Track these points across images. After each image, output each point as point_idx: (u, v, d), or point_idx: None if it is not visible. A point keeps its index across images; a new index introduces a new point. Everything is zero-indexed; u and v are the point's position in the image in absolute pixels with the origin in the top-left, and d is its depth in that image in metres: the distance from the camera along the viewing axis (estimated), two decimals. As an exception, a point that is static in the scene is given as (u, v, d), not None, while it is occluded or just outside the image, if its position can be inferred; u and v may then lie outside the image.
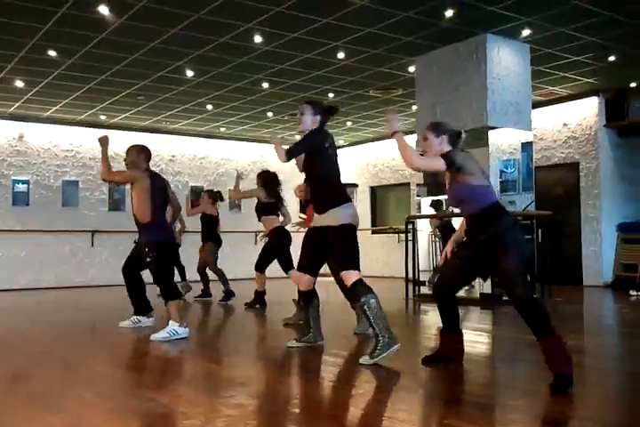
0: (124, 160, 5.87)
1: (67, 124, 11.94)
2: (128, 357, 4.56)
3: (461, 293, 7.84)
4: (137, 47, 7.69)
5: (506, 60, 7.84)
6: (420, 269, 8.64)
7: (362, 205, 14.41)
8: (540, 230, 7.79)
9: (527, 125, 8.11)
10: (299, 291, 4.55)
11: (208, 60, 8.27)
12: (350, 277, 4.05)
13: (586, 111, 10.34)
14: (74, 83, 9.19)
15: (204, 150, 13.52)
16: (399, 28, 7.21)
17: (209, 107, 10.88)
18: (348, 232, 4.16)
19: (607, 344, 4.93)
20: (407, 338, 5.35)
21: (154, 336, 4.96)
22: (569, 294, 8.56)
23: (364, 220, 14.15)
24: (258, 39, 7.47)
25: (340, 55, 8.15)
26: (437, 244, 9.40)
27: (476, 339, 5.34)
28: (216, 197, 8.94)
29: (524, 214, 8.03)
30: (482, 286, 8.02)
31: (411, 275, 8.42)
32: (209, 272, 8.88)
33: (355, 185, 14.43)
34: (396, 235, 12.18)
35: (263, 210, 7.27)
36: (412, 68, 8.73)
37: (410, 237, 8.54)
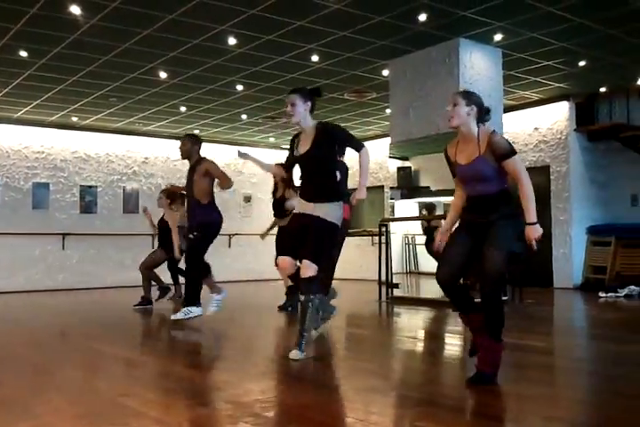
0: (180, 148, 6.46)
1: (38, 126, 11.77)
2: (99, 361, 4.51)
3: (432, 295, 7.92)
4: (109, 48, 7.62)
5: (478, 65, 7.92)
6: (394, 271, 8.67)
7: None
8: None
9: (499, 129, 8.18)
10: (292, 277, 4.36)
11: (181, 62, 8.23)
12: (309, 269, 4.06)
13: (556, 116, 10.50)
14: (45, 84, 9.08)
15: (177, 153, 13.29)
16: (373, 31, 7.25)
17: (182, 109, 10.82)
18: (332, 232, 4.20)
19: (576, 346, 5.00)
20: (380, 340, 5.37)
21: (173, 316, 5.79)
22: (539, 296, 8.66)
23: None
24: (232, 41, 7.45)
25: (315, 58, 8.16)
26: (411, 247, 9.46)
27: (448, 341, 5.38)
28: (175, 196, 8.33)
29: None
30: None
31: (384, 277, 8.44)
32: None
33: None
34: (370, 237, 12.21)
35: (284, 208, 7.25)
36: (385, 72, 8.78)
37: (383, 240, 8.58)
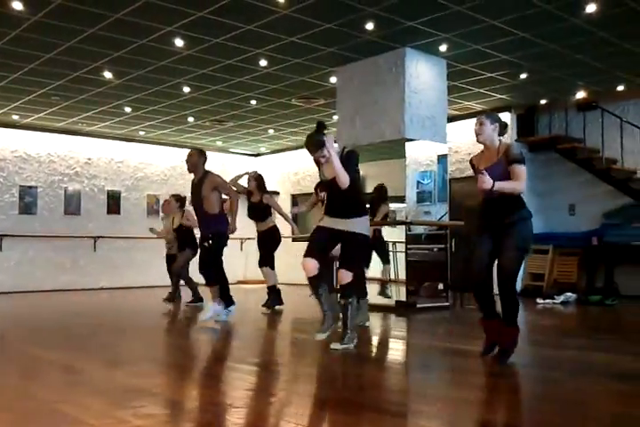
0: (186, 161, 6.47)
1: (-25, 124, 11.42)
2: (36, 367, 4.38)
3: (377, 300, 7.99)
4: (52, 46, 7.45)
5: (424, 75, 8.07)
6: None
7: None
8: (453, 240, 8.03)
9: (443, 138, 8.36)
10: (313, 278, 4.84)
11: (127, 62, 8.10)
12: (346, 276, 4.64)
13: (499, 126, 10.75)
14: (-17, 80, 8.81)
15: (121, 154, 13.19)
16: (321, 38, 7.30)
17: (128, 109, 10.65)
18: (365, 243, 4.83)
19: (515, 351, 5.12)
20: (323, 345, 5.39)
21: (201, 318, 6.30)
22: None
23: (285, 228, 14.15)
24: (179, 43, 7.38)
25: (263, 63, 8.16)
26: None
27: (390, 346, 5.44)
28: (184, 201, 8.85)
29: (439, 224, 8.26)
30: (398, 294, 8.19)
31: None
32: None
33: (276, 193, 14.44)
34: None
35: (265, 212, 7.76)
36: (333, 79, 8.85)
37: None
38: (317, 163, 4.85)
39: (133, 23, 6.75)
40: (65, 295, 10.78)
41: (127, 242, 12.83)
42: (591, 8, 6.42)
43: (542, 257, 10.29)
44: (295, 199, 14.53)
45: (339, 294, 4.91)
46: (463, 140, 11.08)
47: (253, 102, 10.20)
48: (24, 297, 10.42)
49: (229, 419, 2.91)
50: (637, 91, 9.59)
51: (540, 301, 8.94)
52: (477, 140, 4.27)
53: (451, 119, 9.26)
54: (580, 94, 9.89)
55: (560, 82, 9.19)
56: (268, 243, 7.74)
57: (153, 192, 13.47)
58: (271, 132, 12.60)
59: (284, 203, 14.44)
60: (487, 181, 3.91)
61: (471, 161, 4.41)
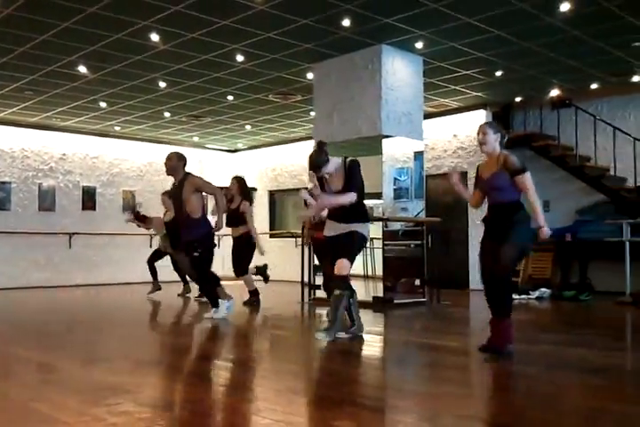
0: (165, 164, 6.32)
1: (-54, 118, 11.21)
2: (10, 365, 4.33)
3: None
4: (25, 40, 7.33)
5: (400, 71, 8.09)
6: (316, 273, 8.72)
7: (260, 209, 14.40)
8: (429, 237, 8.08)
9: (419, 135, 8.40)
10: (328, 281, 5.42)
11: (102, 57, 8.01)
12: (344, 267, 4.87)
13: (474, 123, 10.76)
14: (-46, 74, 8.65)
15: (96, 149, 13.04)
16: (298, 34, 7.28)
17: (103, 104, 10.53)
18: (362, 242, 5.07)
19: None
20: (300, 342, 5.40)
21: (214, 315, 6.18)
22: (456, 298, 8.91)
23: (262, 224, 14.14)
24: (155, 37, 7.32)
25: (240, 58, 8.12)
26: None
27: (367, 341, 5.46)
28: None
29: (415, 221, 8.31)
30: (375, 290, 8.22)
31: (307, 279, 8.48)
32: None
33: (253, 189, 14.41)
34: (294, 239, 12.25)
35: (240, 218, 7.64)
36: (310, 75, 8.84)
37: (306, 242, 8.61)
38: (320, 179, 5.12)
39: (108, 17, 6.66)
40: (39, 293, 10.65)
41: (103, 238, 12.71)
42: (565, 6, 6.48)
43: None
44: (273, 196, 14.51)
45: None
46: (439, 136, 11.15)
47: (230, 98, 10.15)
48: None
49: (205, 415, 2.91)
50: (611, 89, 9.72)
51: (515, 296, 9.00)
52: (482, 151, 4.45)
53: (427, 116, 9.31)
54: (555, 92, 9.99)
55: (535, 80, 9.28)
56: (244, 250, 7.65)
57: (129, 188, 13.34)
58: (248, 127, 12.55)
59: (262, 199, 14.44)
60: (548, 232, 4.27)
61: (477, 169, 4.68)
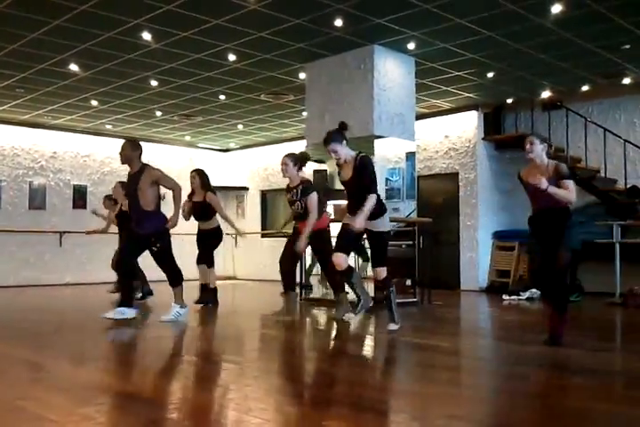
0: (119, 153, 6.09)
1: None
2: (-4, 364, 4.31)
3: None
4: (16, 37, 7.30)
5: (392, 72, 8.10)
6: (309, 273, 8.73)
7: (252, 208, 14.39)
8: (421, 237, 8.09)
9: (411, 136, 8.41)
10: (335, 272, 5.54)
11: (94, 55, 7.98)
12: (382, 272, 5.28)
13: (466, 124, 10.87)
14: (-56, 71, 8.60)
15: (87, 148, 12.99)
16: (290, 34, 7.28)
17: (94, 103, 10.49)
18: (387, 238, 5.41)
19: (480, 346, 5.19)
20: (291, 341, 5.40)
21: (163, 318, 5.93)
22: (447, 299, 8.93)
23: (254, 223, 14.12)
24: (147, 36, 7.30)
25: (232, 57, 8.11)
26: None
27: (358, 341, 5.47)
28: None
29: (406, 221, 8.32)
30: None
31: (299, 279, 8.46)
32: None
33: (245, 188, 14.39)
34: (286, 239, 12.23)
35: (210, 211, 7.45)
36: (302, 75, 8.84)
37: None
38: (338, 165, 5.37)
39: (100, 15, 6.64)
40: (29, 291, 10.60)
41: (93, 237, 12.62)
42: (556, 8, 6.51)
43: (508, 254, 10.44)
44: (264, 195, 14.49)
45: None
46: (431, 137, 11.18)
47: (222, 97, 10.14)
48: (-14, 293, 10.22)
49: (196, 415, 2.90)
50: (601, 91, 9.77)
51: (505, 297, 9.06)
52: (528, 158, 4.80)
53: (419, 117, 9.33)
54: (546, 94, 10.04)
55: (526, 81, 9.31)
56: (211, 241, 7.51)
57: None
58: (240, 127, 12.54)
59: (254, 199, 14.42)
60: (543, 182, 4.50)
61: (519, 175, 4.96)
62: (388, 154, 8.29)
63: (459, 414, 2.91)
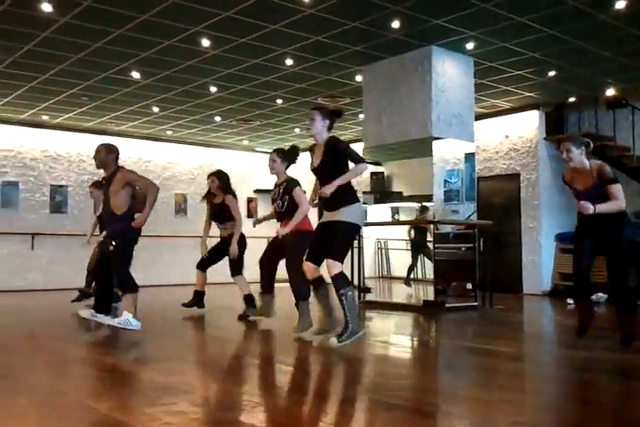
0: (94, 157, 5.98)
1: (7, 124, 11.59)
2: (66, 364, 4.45)
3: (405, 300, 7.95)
4: (81, 47, 7.54)
5: (450, 73, 8.01)
6: (366, 276, 8.71)
7: (309, 212, 14.44)
8: (481, 239, 7.96)
9: (470, 137, 8.30)
10: (311, 281, 4.86)
11: (155, 63, 8.18)
12: (335, 267, 4.50)
13: (527, 124, 10.65)
14: (15, 81, 8.95)
15: (149, 153, 13.32)
16: (347, 37, 7.28)
17: (155, 109, 10.74)
18: (352, 231, 4.71)
19: (543, 352, 5.07)
20: (352, 345, 5.38)
21: (107, 320, 5.27)
22: (509, 302, 8.76)
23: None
24: (206, 43, 7.43)
25: (289, 62, 8.17)
26: (384, 251, 9.51)
27: (419, 345, 5.42)
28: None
29: (466, 223, 8.20)
30: (425, 294, 8.15)
31: (357, 282, 8.45)
32: None
33: (302, 192, 14.42)
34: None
35: (228, 214, 6.98)
36: (359, 78, 8.83)
37: (356, 244, 8.59)
38: (311, 150, 5.00)
39: (161, 24, 6.80)
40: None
41: (154, 240, 12.94)
42: (620, 4, 6.32)
43: (572, 257, 10.14)
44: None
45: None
46: (491, 138, 10.99)
47: (279, 101, 10.22)
48: (55, 294, 10.56)
49: (258, 419, 2.92)
50: (669, 87, 9.41)
51: (570, 301, 8.82)
52: (570, 166, 4.73)
53: (478, 117, 9.19)
54: (610, 92, 9.73)
55: (589, 79, 9.05)
56: (238, 248, 6.85)
57: (181, 191, 13.58)
58: (297, 130, 12.61)
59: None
60: (588, 208, 4.42)
61: (563, 178, 4.92)
62: (446, 155, 8.19)
63: (522, 421, 2.85)
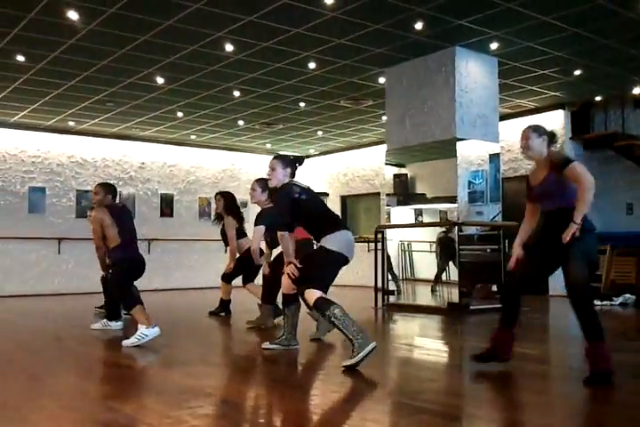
0: (92, 197, 6.05)
1: (34, 130, 11.77)
2: (93, 367, 4.50)
3: (429, 302, 7.90)
4: (107, 53, 7.64)
5: (474, 73, 7.96)
6: (389, 278, 8.68)
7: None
8: (506, 241, 7.89)
9: (495, 137, 8.23)
10: (282, 295, 4.77)
11: (179, 68, 8.25)
12: (312, 295, 4.23)
13: (552, 124, 10.52)
14: (42, 88, 9.09)
15: (174, 158, 13.43)
16: (369, 39, 7.28)
17: (179, 114, 10.83)
18: (331, 258, 4.39)
19: (570, 354, 5.01)
20: (377, 346, 5.37)
21: (124, 342, 5.07)
22: (535, 304, 8.66)
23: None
24: (229, 48, 7.48)
25: (312, 65, 8.19)
26: (407, 253, 9.46)
27: (444, 348, 5.39)
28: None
29: (491, 225, 8.14)
30: (450, 296, 8.10)
31: (380, 284, 8.44)
32: None
33: (325, 194, 14.47)
34: (366, 244, 12.22)
35: (237, 235, 7.00)
36: (382, 80, 8.82)
37: (379, 247, 8.58)
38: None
39: (185, 29, 6.86)
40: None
41: (179, 244, 13.06)
42: (648, 1, 6.24)
43: (600, 257, 10.02)
44: (344, 200, 14.52)
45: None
46: (516, 138, 10.86)
47: (302, 105, 10.24)
48: (81, 298, 10.69)
49: (282, 421, 2.93)
50: (698, 85, 9.25)
51: (597, 302, 8.70)
52: (525, 156, 4.01)
53: (503, 117, 9.12)
54: (637, 90, 9.59)
55: (615, 78, 8.93)
56: (249, 261, 6.69)
57: (205, 195, 13.67)
58: (320, 133, 12.63)
59: (334, 204, 14.46)
60: (573, 229, 3.56)
61: (527, 179, 4.15)
62: (470, 156, 8.14)
63: (551, 423, 2.82)
